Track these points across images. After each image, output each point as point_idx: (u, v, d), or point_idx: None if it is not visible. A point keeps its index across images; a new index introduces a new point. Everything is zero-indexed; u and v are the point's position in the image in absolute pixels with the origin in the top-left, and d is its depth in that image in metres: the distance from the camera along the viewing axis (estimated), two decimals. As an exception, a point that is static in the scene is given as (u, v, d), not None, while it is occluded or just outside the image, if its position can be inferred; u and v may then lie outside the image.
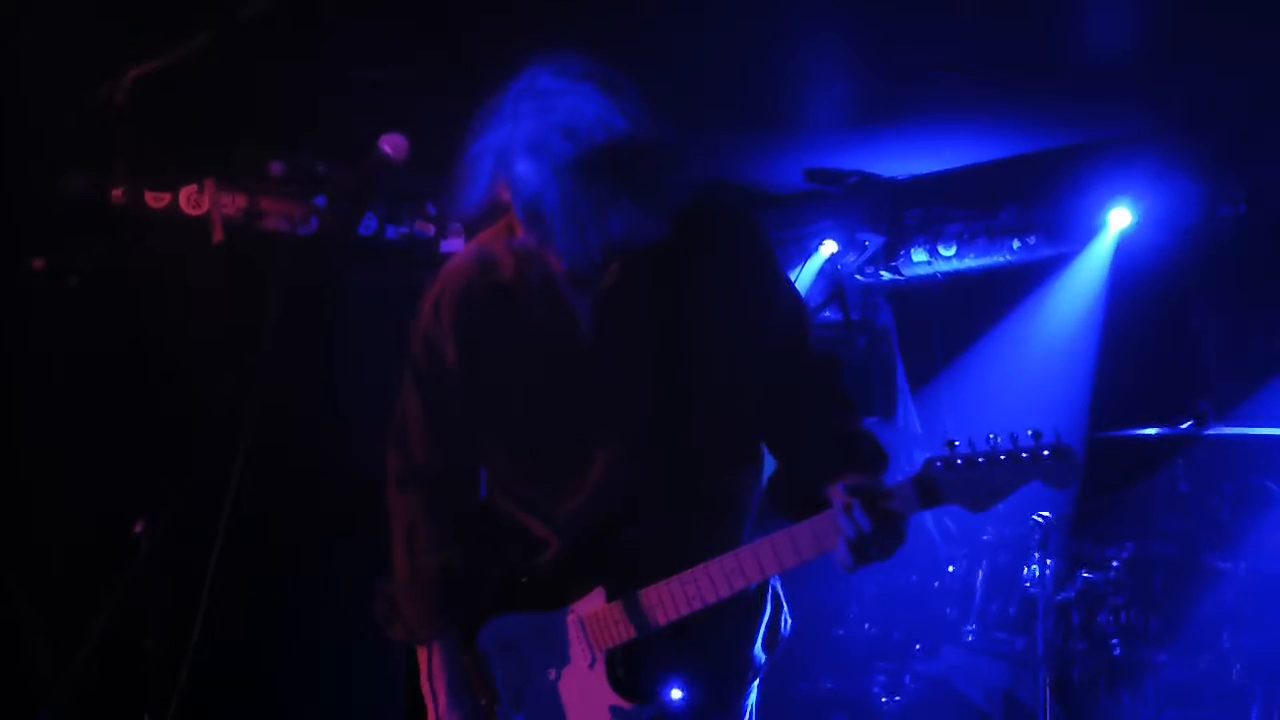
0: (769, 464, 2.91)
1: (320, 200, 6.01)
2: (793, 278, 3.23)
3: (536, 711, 2.87)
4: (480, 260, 2.90)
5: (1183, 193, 6.43)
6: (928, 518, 6.29)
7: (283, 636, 6.01)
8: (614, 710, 2.77)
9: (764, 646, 2.92)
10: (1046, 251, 7.05)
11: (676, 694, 2.79)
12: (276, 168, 6.00)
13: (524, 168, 2.57)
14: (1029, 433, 2.55)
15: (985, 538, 6.12)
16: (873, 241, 7.42)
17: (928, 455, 2.60)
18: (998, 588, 6.01)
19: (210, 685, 3.89)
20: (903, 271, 7.56)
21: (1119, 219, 6.64)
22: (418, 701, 2.97)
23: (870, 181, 7.13)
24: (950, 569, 6.21)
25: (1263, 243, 6.37)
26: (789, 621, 2.99)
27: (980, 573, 6.08)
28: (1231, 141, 6.26)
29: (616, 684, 2.78)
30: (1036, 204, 7.01)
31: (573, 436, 2.83)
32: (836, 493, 2.60)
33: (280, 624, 6.00)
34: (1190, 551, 5.58)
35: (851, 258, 7.52)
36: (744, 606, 2.86)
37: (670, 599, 2.72)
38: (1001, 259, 7.19)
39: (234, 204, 5.91)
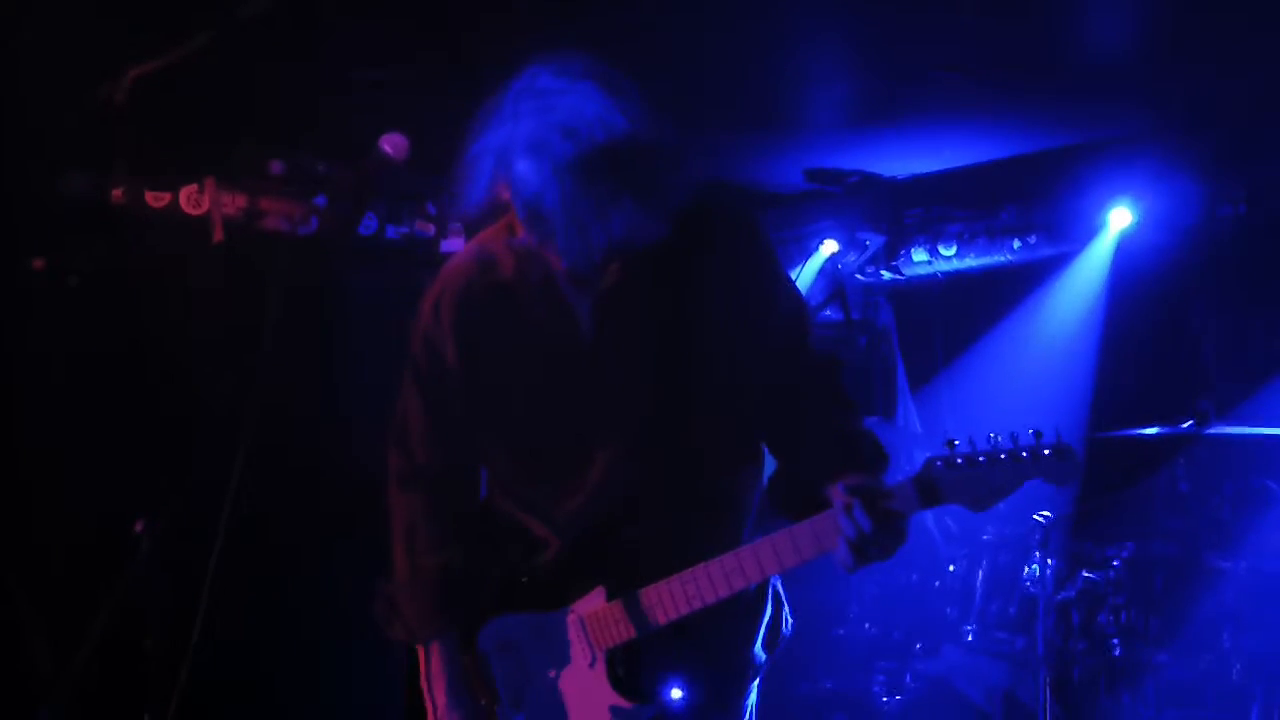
0: (769, 464, 2.91)
1: (320, 200, 6.01)
2: (793, 277, 3.22)
3: (537, 711, 2.87)
4: (480, 260, 2.90)
5: (1183, 193, 6.43)
6: (928, 517, 6.29)
7: (283, 636, 6.01)
8: (614, 710, 2.77)
9: (764, 646, 2.92)
10: (1047, 251, 7.05)
11: (676, 693, 2.79)
12: (277, 167, 6.01)
13: (524, 167, 2.57)
14: (1029, 431, 2.55)
15: (986, 537, 6.11)
16: (873, 241, 7.43)
17: (928, 455, 2.60)
18: (998, 587, 6.01)
19: (210, 685, 3.89)
20: (903, 271, 7.56)
21: (1119, 219, 6.64)
22: (418, 701, 2.97)
23: (871, 181, 7.13)
24: (950, 568, 6.21)
25: (1263, 243, 6.37)
26: (789, 621, 2.99)
27: (980, 572, 6.07)
28: (1231, 141, 6.26)
29: (617, 683, 2.78)
30: (1037, 204, 7.01)
31: (573, 436, 2.83)
32: (837, 492, 2.60)
33: (280, 624, 6.00)
34: (1191, 551, 5.58)
35: (852, 257, 7.52)
36: (744, 606, 2.86)
37: (670, 598, 2.72)
38: (1002, 259, 7.19)
39: (234, 203, 5.91)
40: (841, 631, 6.56)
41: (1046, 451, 2.53)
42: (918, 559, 6.37)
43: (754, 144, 6.52)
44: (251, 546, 4.33)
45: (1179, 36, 5.06)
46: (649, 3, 4.71)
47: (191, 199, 5.78)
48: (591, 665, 2.80)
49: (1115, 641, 5.55)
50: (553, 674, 2.85)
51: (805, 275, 7.44)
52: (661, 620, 2.74)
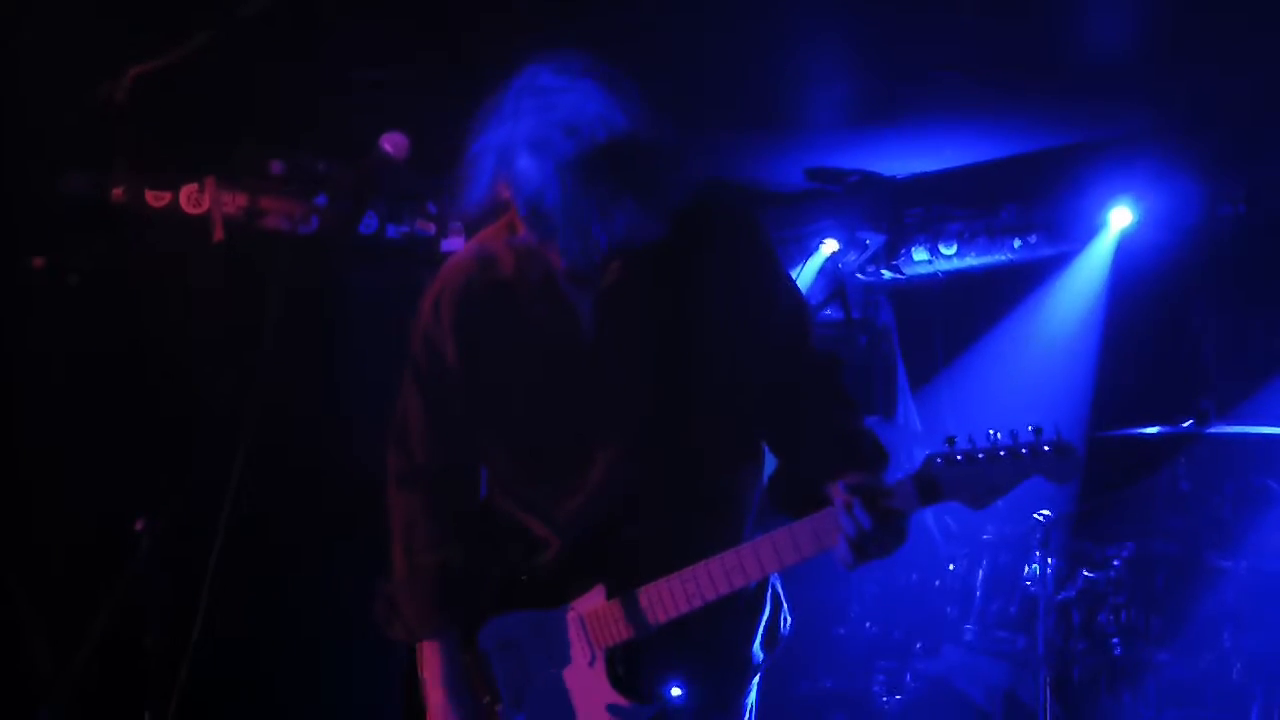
0: (770, 463, 2.91)
1: (321, 199, 6.01)
2: (793, 276, 3.22)
3: (537, 710, 2.87)
4: (480, 258, 2.90)
5: (1183, 192, 6.44)
6: (928, 516, 6.30)
7: (283, 636, 6.01)
8: (614, 709, 2.77)
9: (763, 645, 2.92)
10: (1047, 250, 7.06)
11: (676, 692, 2.79)
12: (277, 166, 6.01)
13: (525, 165, 2.57)
14: (1029, 428, 2.54)
15: (986, 536, 6.11)
16: (873, 240, 7.43)
17: (928, 452, 2.60)
18: (998, 587, 6.01)
19: (210, 683, 3.90)
20: (903, 270, 7.56)
21: (1119, 218, 6.65)
22: (417, 701, 2.97)
23: (871, 180, 7.13)
24: (951, 568, 6.21)
25: (1263, 243, 6.38)
26: (789, 620, 2.99)
27: (981, 572, 6.07)
28: (1232, 141, 6.26)
29: (616, 682, 2.78)
30: (1037, 203, 7.02)
31: (573, 436, 2.83)
32: (837, 490, 2.60)
33: (280, 623, 6.00)
34: (1191, 550, 5.58)
35: (852, 256, 7.52)
36: (744, 605, 2.86)
37: (670, 596, 2.72)
38: (1002, 258, 7.19)
39: (234, 203, 5.92)
40: (842, 631, 6.56)
41: (1046, 448, 2.52)
42: (918, 558, 6.37)
43: (754, 143, 6.52)
44: (251, 546, 4.33)
45: (1179, 36, 5.06)
46: (649, 3, 4.71)
47: (192, 198, 5.78)
48: (591, 664, 2.80)
49: (1116, 641, 5.55)
50: (553, 673, 2.85)
51: (805, 274, 7.44)
52: (661, 618, 2.73)
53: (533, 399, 2.86)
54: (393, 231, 6.61)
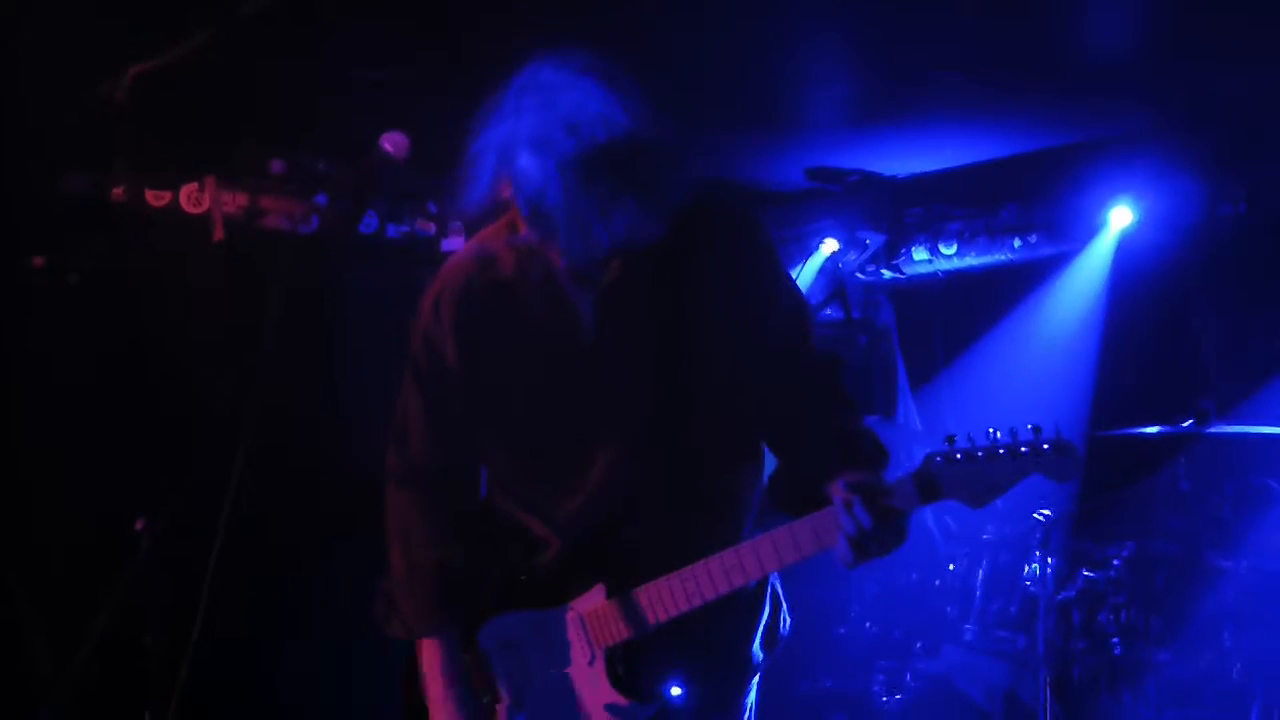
0: (769, 462, 2.91)
1: (321, 198, 6.01)
2: (794, 276, 3.22)
3: (537, 710, 2.87)
4: (480, 257, 2.90)
5: (1183, 192, 6.43)
6: (928, 515, 6.29)
7: (283, 636, 6.01)
8: (613, 708, 2.77)
9: (763, 645, 2.92)
10: (1047, 250, 7.06)
11: (676, 691, 2.79)
12: (277, 166, 6.01)
13: (527, 163, 2.57)
14: (1029, 427, 2.54)
15: (986, 536, 6.11)
16: (873, 240, 7.43)
17: (928, 451, 2.60)
18: (998, 586, 6.01)
19: (210, 683, 3.90)
20: (903, 270, 7.56)
21: (1120, 218, 6.65)
22: (417, 701, 2.97)
23: (871, 180, 7.13)
24: (951, 567, 6.21)
25: (1263, 242, 6.37)
26: (788, 621, 2.99)
27: (981, 571, 6.07)
28: (1232, 141, 6.26)
29: (616, 682, 2.78)
30: (1037, 203, 7.02)
31: (573, 436, 2.83)
32: (837, 489, 2.59)
33: (280, 623, 6.00)
34: (1191, 550, 5.58)
35: (852, 256, 7.52)
36: (743, 604, 2.86)
37: (670, 596, 2.72)
38: (1002, 257, 7.19)
39: (235, 202, 5.92)
40: (842, 630, 6.56)
41: (1046, 447, 2.52)
42: (918, 558, 6.37)
43: (754, 143, 6.52)
44: (251, 546, 4.33)
45: (1179, 35, 5.06)
46: (649, 3, 4.71)
47: (192, 197, 5.78)
48: (591, 663, 2.80)
49: (1116, 641, 5.55)
50: (553, 672, 2.85)
51: (806, 274, 7.44)
52: (661, 617, 2.73)
53: (533, 399, 2.85)
54: (393, 231, 6.61)
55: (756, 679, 2.96)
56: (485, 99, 2.65)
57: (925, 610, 6.30)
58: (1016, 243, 7.09)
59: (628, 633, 2.76)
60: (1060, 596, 5.69)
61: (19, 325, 5.48)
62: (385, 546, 3.03)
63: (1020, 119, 6.17)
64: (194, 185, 5.77)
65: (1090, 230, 6.82)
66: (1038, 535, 5.67)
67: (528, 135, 2.56)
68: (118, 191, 5.57)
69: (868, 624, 6.52)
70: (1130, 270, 6.71)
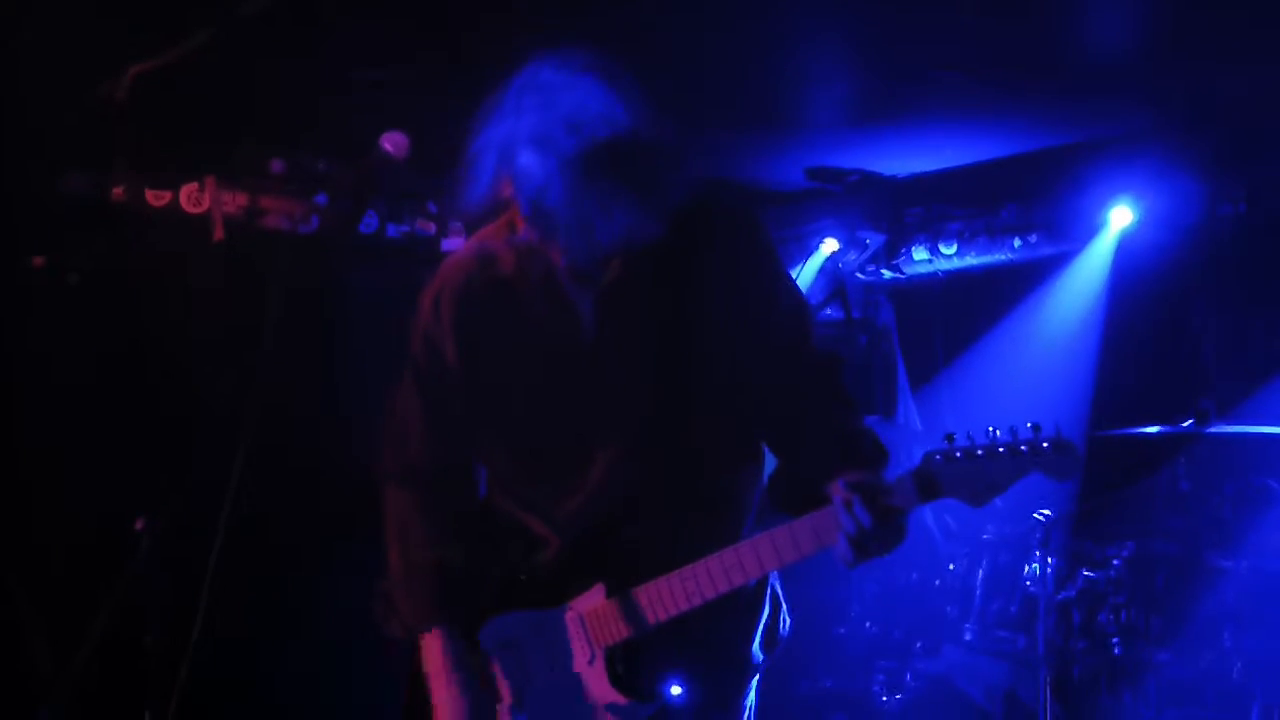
0: (769, 462, 2.91)
1: (321, 198, 6.01)
2: (793, 276, 3.22)
3: (538, 709, 2.87)
4: (480, 256, 2.90)
5: (1183, 191, 6.43)
6: (928, 515, 6.29)
7: (283, 636, 6.01)
8: (613, 708, 2.77)
9: (762, 645, 2.92)
10: (1047, 250, 7.06)
11: (676, 691, 2.78)
12: (277, 166, 6.01)
13: (527, 162, 2.57)
14: (1028, 425, 2.54)
15: (986, 536, 6.11)
16: (874, 240, 7.43)
17: (927, 449, 2.59)
18: (998, 586, 6.01)
19: (210, 683, 3.89)
20: (904, 270, 7.57)
21: (1120, 217, 6.65)
22: (417, 701, 2.97)
23: (871, 180, 7.13)
24: (951, 567, 6.21)
25: (1263, 242, 6.37)
26: (788, 621, 2.99)
27: (981, 571, 6.07)
28: (1232, 140, 6.26)
29: (616, 681, 2.78)
30: (1037, 202, 7.02)
31: (573, 436, 2.83)
32: (837, 488, 2.59)
33: (280, 623, 6.00)
34: (1191, 550, 5.57)
35: (852, 256, 7.52)
36: (743, 604, 2.85)
37: (669, 595, 2.72)
38: (1002, 257, 7.19)
39: (235, 202, 5.92)
40: (842, 630, 6.56)
41: (1045, 445, 2.52)
42: (918, 558, 6.37)
43: (754, 143, 6.52)
44: (251, 546, 4.33)
45: (1179, 35, 5.06)
46: (649, 3, 4.71)
47: (192, 197, 5.78)
48: (591, 663, 2.80)
49: (1116, 640, 5.55)
50: (553, 671, 2.85)
51: (806, 274, 7.44)
52: (661, 617, 2.73)
53: (533, 398, 2.85)
54: (393, 231, 6.61)
55: (756, 679, 2.96)
56: (485, 99, 2.65)
57: (925, 610, 6.30)
58: (1016, 243, 7.10)
59: (627, 632, 2.76)
60: (1060, 596, 5.69)
61: (19, 325, 5.48)
62: (385, 546, 3.03)
63: (1020, 119, 6.17)
64: (194, 185, 5.77)
65: (1090, 230, 6.82)
66: (1038, 535, 5.67)
67: (529, 134, 2.56)
68: (118, 191, 5.56)
69: (868, 624, 6.52)
70: (1130, 270, 6.70)
